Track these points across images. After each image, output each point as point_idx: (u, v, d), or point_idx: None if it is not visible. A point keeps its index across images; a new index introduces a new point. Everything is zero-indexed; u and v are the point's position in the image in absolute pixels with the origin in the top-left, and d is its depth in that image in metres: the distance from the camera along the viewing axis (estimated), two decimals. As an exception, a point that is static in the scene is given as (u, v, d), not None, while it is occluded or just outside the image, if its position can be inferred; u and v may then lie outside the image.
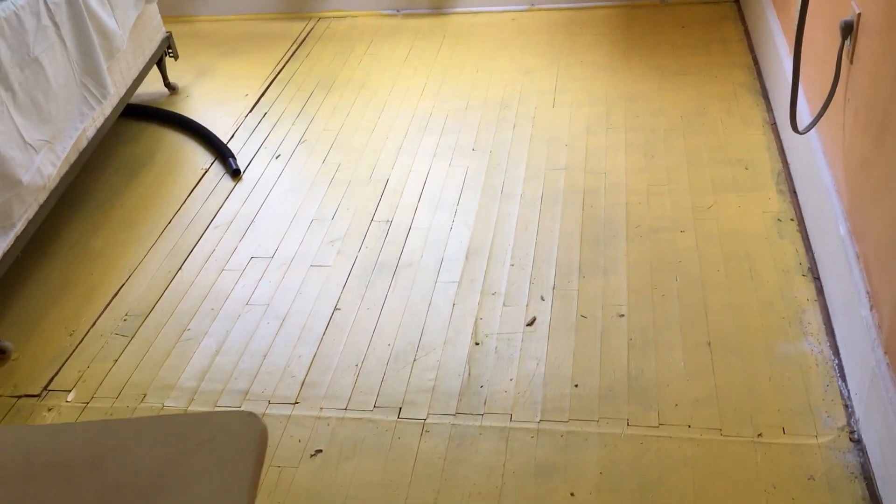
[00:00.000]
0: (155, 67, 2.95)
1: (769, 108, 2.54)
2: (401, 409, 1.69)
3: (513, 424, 1.63)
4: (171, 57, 3.03)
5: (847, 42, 1.72)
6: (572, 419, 1.63)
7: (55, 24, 2.14)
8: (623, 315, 1.86)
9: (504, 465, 1.56)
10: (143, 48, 2.76)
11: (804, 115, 2.07)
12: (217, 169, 2.59)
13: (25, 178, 1.93)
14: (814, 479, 1.46)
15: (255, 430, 0.71)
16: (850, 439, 1.53)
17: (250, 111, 2.89)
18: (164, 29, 2.96)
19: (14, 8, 1.99)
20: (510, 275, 2.02)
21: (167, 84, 3.05)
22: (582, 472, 1.52)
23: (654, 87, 2.75)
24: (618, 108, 2.65)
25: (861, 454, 1.49)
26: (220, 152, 2.63)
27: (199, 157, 2.67)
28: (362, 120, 2.75)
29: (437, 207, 2.29)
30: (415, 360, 1.81)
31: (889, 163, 1.45)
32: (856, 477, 1.46)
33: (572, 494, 1.49)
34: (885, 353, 1.42)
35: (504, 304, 1.93)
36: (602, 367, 1.74)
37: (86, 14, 2.26)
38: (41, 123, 2.04)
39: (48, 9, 2.11)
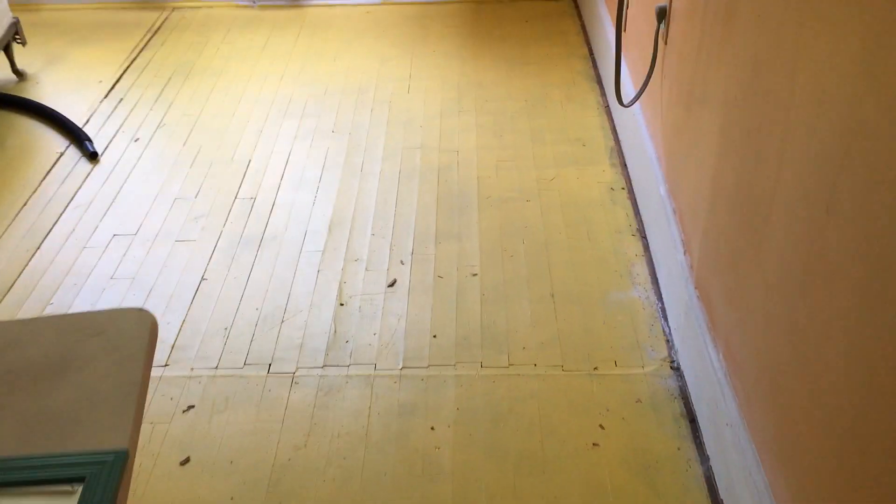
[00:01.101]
0: (1, 54, 2.89)
1: (603, 93, 2.80)
2: (270, 365, 1.79)
3: (377, 372, 1.76)
4: (18, 43, 2.96)
5: (661, 25, 1.96)
6: (432, 365, 1.78)
7: None
8: (476, 274, 2.03)
9: (370, 407, 1.68)
10: (-11, 32, 2.70)
11: (630, 93, 2.31)
12: (73, 153, 2.57)
13: None
14: (641, 402, 1.68)
15: (145, 320, 0.80)
16: (671, 367, 1.75)
17: (105, 97, 2.87)
18: (11, 14, 2.90)
19: None
20: (371, 243, 2.14)
21: (15, 70, 2.98)
22: (441, 409, 1.67)
23: (502, 75, 2.95)
24: (468, 93, 2.84)
25: (679, 378, 1.72)
26: (76, 136, 2.62)
27: (54, 141, 2.64)
28: (222, 105, 2.80)
29: (299, 185, 2.38)
30: (283, 321, 1.90)
31: (694, 128, 1.68)
32: (675, 397, 1.68)
33: (432, 428, 1.63)
34: (696, 288, 1.65)
35: (366, 269, 2.05)
36: (458, 320, 1.89)
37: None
38: None
39: None
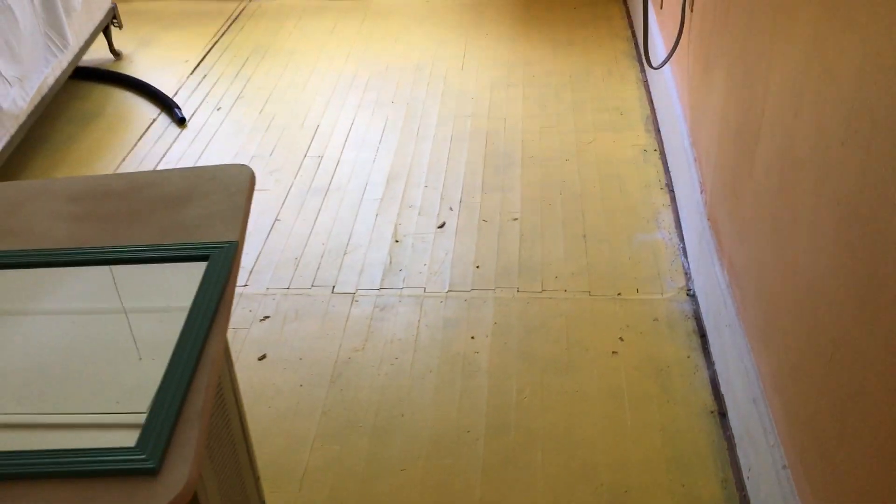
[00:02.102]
0: (101, 36, 3.24)
1: (642, 69, 3.01)
2: (334, 286, 2.06)
3: (426, 294, 2.02)
4: (115, 26, 3.32)
5: (687, -6, 2.18)
6: (474, 289, 2.02)
7: (22, -20, 2.44)
8: (517, 219, 2.27)
9: (419, 321, 1.93)
10: (92, 14, 3.05)
11: (662, 57, 2.53)
12: (164, 119, 2.90)
13: (5, 105, 2.22)
14: (658, 320, 1.89)
15: (246, 170, 1.07)
16: (687, 294, 1.96)
17: (191, 73, 3.20)
18: (109, 0, 3.26)
19: (-11, -39, 2.28)
20: (424, 193, 2.40)
21: (112, 51, 3.34)
22: (480, 323, 1.91)
23: (549, 54, 3.19)
24: (517, 70, 3.08)
25: (694, 303, 1.93)
26: (166, 104, 2.95)
27: (147, 109, 2.97)
28: (294, 80, 3.10)
29: (361, 146, 2.66)
30: (345, 253, 2.17)
31: (710, 83, 1.90)
32: (689, 318, 1.89)
33: (473, 338, 1.88)
34: (708, 219, 1.87)
35: (419, 214, 2.31)
36: (499, 255, 2.14)
37: (48, -27, 2.56)
38: (14, 63, 2.33)
39: (16, -35, 2.41)
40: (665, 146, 2.51)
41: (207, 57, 3.33)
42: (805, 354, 1.23)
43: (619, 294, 1.98)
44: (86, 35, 2.96)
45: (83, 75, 3.15)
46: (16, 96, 2.32)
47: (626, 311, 1.93)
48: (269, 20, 3.65)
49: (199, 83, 3.13)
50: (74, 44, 2.81)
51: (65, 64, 2.74)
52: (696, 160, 2.07)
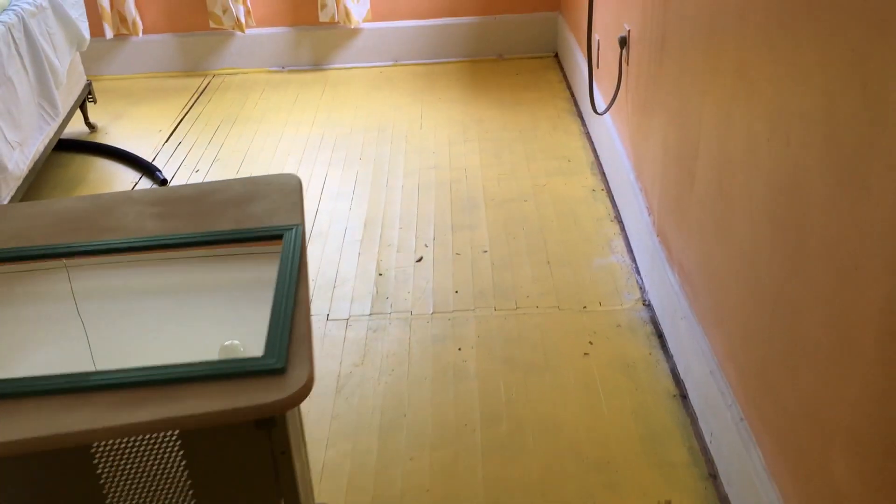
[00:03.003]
0: (77, 111, 3.44)
1: (584, 124, 3.35)
2: (328, 314, 2.26)
3: (413, 316, 2.24)
4: (90, 101, 3.52)
5: (623, 50, 2.52)
6: (455, 310, 2.26)
7: (19, 55, 2.65)
8: (486, 251, 2.53)
9: (409, 338, 2.15)
10: (72, 89, 3.26)
11: (602, 107, 2.86)
12: (145, 182, 3.09)
13: (10, 165, 2.40)
14: (620, 326, 2.15)
15: (295, 177, 1.30)
16: (643, 304, 2.23)
17: (166, 141, 3.42)
18: (85, 77, 3.47)
19: (-6, 37, 2.49)
20: (399, 234, 2.65)
21: (88, 123, 3.54)
22: (465, 338, 2.14)
23: (498, 113, 3.52)
24: (471, 127, 3.39)
25: (650, 311, 2.20)
26: (147, 168, 3.15)
27: (127, 174, 3.16)
28: (265, 144, 3.35)
29: (336, 197, 2.90)
30: (335, 286, 2.39)
31: (649, 122, 2.22)
32: (647, 323, 2.16)
33: (459, 349, 2.10)
34: (657, 235, 2.15)
35: (397, 251, 2.55)
36: (474, 281, 2.38)
37: (40, 50, 2.77)
38: (15, 129, 2.52)
39: (14, 41, 2.62)
40: (610, 185, 2.82)
41: (179, 127, 3.55)
42: (750, 319, 1.50)
43: (584, 307, 2.24)
44: (68, 108, 3.16)
45: (62, 147, 3.33)
46: (18, 159, 2.50)
47: (592, 321, 2.18)
48: (234, 92, 3.91)
49: (175, 149, 3.34)
50: (62, 114, 3.00)
51: (54, 132, 2.93)
52: (641, 190, 2.37)
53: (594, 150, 3.12)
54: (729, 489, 1.62)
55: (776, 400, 1.40)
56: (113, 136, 3.50)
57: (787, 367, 1.35)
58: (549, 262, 2.45)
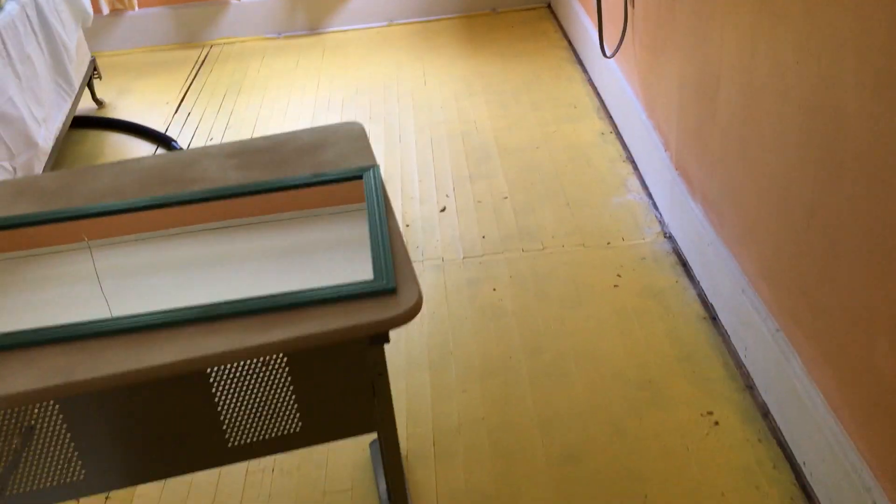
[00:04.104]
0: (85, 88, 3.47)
1: (584, 70, 3.42)
2: (363, 265, 2.35)
3: (445, 262, 2.33)
4: (96, 77, 3.55)
5: (628, -6, 2.59)
6: (485, 254, 2.35)
7: (34, 32, 2.68)
8: (507, 197, 2.61)
9: (444, 282, 2.24)
10: (79, 66, 3.29)
11: (609, 52, 2.94)
12: (162, 152, 3.14)
13: (40, 141, 2.45)
14: (645, 259, 2.26)
15: (358, 125, 1.38)
16: (664, 236, 2.33)
17: (175, 112, 3.46)
18: (89, 53, 3.49)
19: (11, 17, 2.52)
20: (420, 186, 2.72)
21: (95, 99, 3.57)
22: (498, 278, 2.24)
23: (499, 66, 3.58)
24: (475, 81, 3.46)
25: (672, 242, 2.30)
26: (162, 139, 3.19)
27: (143, 147, 3.21)
28: (274, 109, 3.40)
29: (352, 156, 2.97)
30: (365, 239, 2.47)
31: (661, 61, 2.30)
32: (670, 253, 2.26)
33: (494, 289, 2.20)
34: (676, 169, 2.25)
35: (420, 203, 2.63)
36: (498, 225, 2.47)
37: (52, 26, 2.80)
38: (39, 105, 2.57)
39: (28, 20, 2.65)
40: (619, 127, 2.91)
41: (186, 98, 3.59)
42: (783, 235, 1.60)
43: (608, 243, 2.34)
44: (80, 83, 3.19)
45: (76, 123, 3.37)
46: (45, 135, 2.55)
47: (618, 255, 2.28)
48: (234, 62, 3.94)
49: (186, 119, 3.39)
50: (77, 89, 3.04)
51: (69, 108, 2.97)
52: (655, 128, 2.46)
53: (598, 96, 3.20)
54: (767, 397, 1.74)
55: (814, 307, 1.51)
56: (121, 111, 3.54)
57: (825, 275, 1.45)
58: (568, 204, 2.54)
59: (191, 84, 3.72)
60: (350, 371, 1.13)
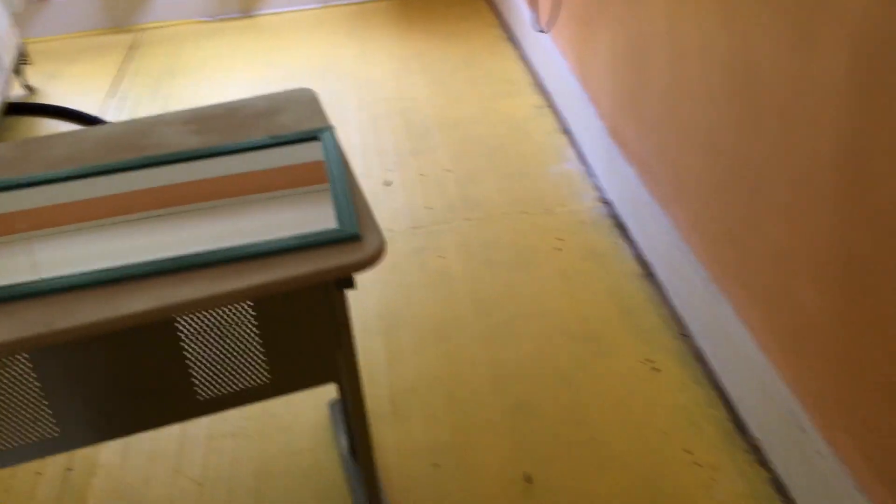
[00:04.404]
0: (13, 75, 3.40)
1: (517, 48, 3.51)
2: (312, 239, 2.39)
3: (393, 233, 2.39)
4: (25, 63, 3.49)
5: (559, -30, 2.68)
6: (432, 223, 2.42)
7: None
8: (449, 170, 2.68)
9: (393, 252, 2.30)
10: (9, 52, 3.23)
11: (539, 27, 3.03)
12: (99, 137, 3.11)
13: (-25, 124, 2.42)
14: (584, 223, 2.36)
15: (309, 91, 1.43)
16: (601, 202, 2.44)
17: (108, 97, 3.43)
18: (18, 38, 3.43)
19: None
20: (364, 162, 2.77)
21: (26, 86, 3.50)
22: (445, 246, 2.31)
23: (435, 45, 3.64)
24: (412, 60, 3.51)
25: (609, 207, 2.41)
26: (97, 123, 3.16)
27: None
28: (213, 90, 3.39)
29: (294, 135, 3.00)
30: (312, 214, 2.51)
31: (595, 34, 2.39)
32: (607, 217, 2.37)
33: (441, 257, 2.27)
34: (611, 136, 2.35)
35: (366, 177, 2.68)
36: (443, 196, 2.54)
37: (-19, 9, 2.75)
38: (-28, 88, 2.52)
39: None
40: (554, 101, 3.00)
41: (119, 82, 3.55)
42: (711, 188, 1.71)
43: (549, 210, 2.43)
44: (9, 69, 3.14)
45: (7, 110, 3.30)
46: (-21, 118, 2.51)
47: (558, 221, 2.38)
48: (167, 45, 3.91)
49: (121, 104, 3.36)
50: (8, 74, 2.99)
51: (0, 94, 2.92)
52: (589, 99, 2.56)
53: (532, 72, 3.29)
54: (701, 343, 1.85)
55: (741, 254, 1.62)
56: (53, 97, 3.48)
57: (750, 223, 1.56)
58: (509, 175, 2.63)
59: (123, 69, 3.68)
60: (315, 320, 1.18)
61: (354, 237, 1.05)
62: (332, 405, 1.80)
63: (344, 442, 1.69)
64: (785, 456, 1.52)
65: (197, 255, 1.02)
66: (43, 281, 0.99)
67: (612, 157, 2.33)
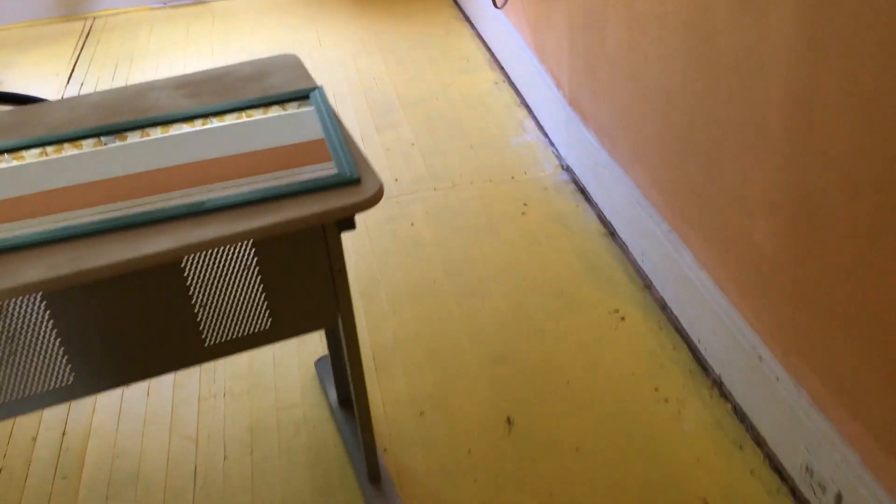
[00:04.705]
0: (-33, 60, 3.38)
1: (473, 27, 3.61)
2: (285, 212, 2.45)
3: (363, 204, 2.46)
4: (-22, 51, 3.46)
5: (514, -52, 2.78)
6: (400, 194, 2.50)
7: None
8: (413, 144, 2.77)
9: (365, 221, 2.38)
10: (-37, 38, 3.20)
11: (500, 2, 3.12)
12: (61, 122, 3.12)
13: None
14: (547, 189, 2.46)
15: (293, 56, 1.50)
16: (562, 169, 2.55)
17: (67, 83, 3.42)
18: (-30, 26, 3.40)
19: None
20: (329, 139, 2.84)
21: (-20, 74, 3.48)
22: (414, 215, 2.39)
23: (392, 26, 3.71)
24: (370, 40, 3.58)
25: (570, 173, 2.52)
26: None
27: (39, 117, 3.17)
28: (172, 73, 3.41)
29: (258, 115, 3.04)
30: (282, 189, 2.57)
31: (550, 10, 2.49)
32: (569, 183, 2.48)
33: (412, 224, 2.35)
34: (570, 104, 2.46)
35: (332, 154, 2.75)
36: (409, 169, 2.62)
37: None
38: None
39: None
40: (511, 76, 3.11)
41: (77, 68, 3.55)
42: (670, 143, 1.83)
43: (512, 178, 2.53)
44: (-35, 56, 3.12)
45: (-40, 98, 3.28)
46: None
47: (522, 188, 2.48)
48: (122, 31, 3.91)
49: (80, 90, 3.36)
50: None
51: (-40, 80, 2.91)
52: (547, 71, 2.66)
53: (488, 49, 3.39)
54: (664, 292, 1.98)
55: (700, 203, 1.74)
56: (8, 85, 3.46)
57: (708, 173, 1.68)
58: (472, 147, 2.72)
59: (79, 55, 3.67)
60: (314, 266, 1.26)
61: (354, 181, 1.13)
62: (319, 363, 1.87)
63: (333, 395, 1.77)
64: (745, 386, 1.64)
65: (209, 200, 1.09)
66: (68, 227, 1.05)
67: (572, 126, 2.44)
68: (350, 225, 1.18)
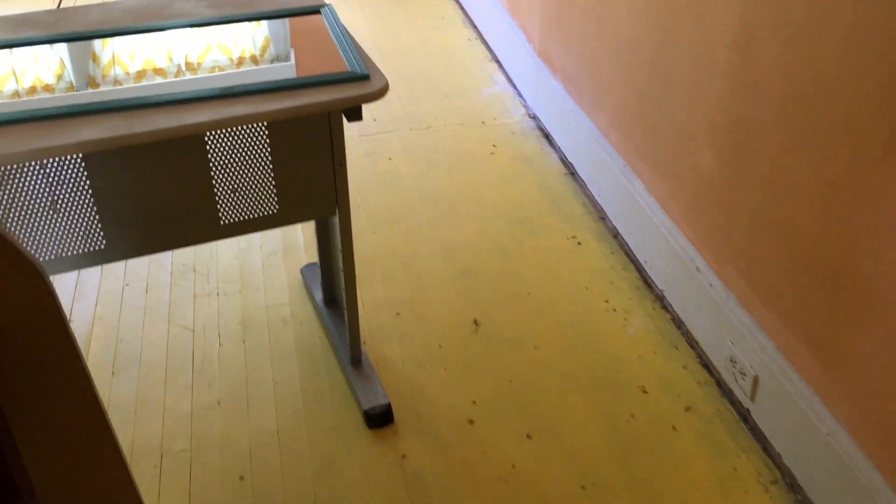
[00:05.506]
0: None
1: (449, -11, 3.80)
2: (270, 143, 2.63)
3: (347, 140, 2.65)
4: (-35, -17, 3.54)
5: (493, -89, 2.97)
6: (378, 132, 2.69)
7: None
8: (391, 90, 2.95)
9: (348, 152, 2.57)
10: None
11: (474, -28, 3.31)
12: (49, 54, 3.23)
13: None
14: (515, 133, 2.68)
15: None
16: (529, 116, 2.77)
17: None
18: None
19: None
20: (311, 82, 3.01)
21: (-34, 5, 3.56)
22: (392, 151, 2.59)
23: (370, -16, 3.89)
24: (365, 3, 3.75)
25: (536, 120, 2.74)
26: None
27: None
28: (157, 17, 3.54)
29: (243, 57, 3.20)
30: (268, 123, 2.74)
31: (525, -38, 2.70)
32: (535, 129, 2.70)
33: (390, 159, 2.55)
34: (539, 56, 2.68)
35: (314, 94, 2.92)
36: (388, 111, 2.82)
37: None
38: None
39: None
40: (483, 34, 3.31)
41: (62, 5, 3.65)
42: (630, 87, 2.05)
43: (483, 122, 2.74)
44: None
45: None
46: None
47: (491, 131, 2.70)
48: None
49: None
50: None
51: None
52: (518, 27, 2.87)
53: (462, 9, 3.58)
54: (616, 223, 2.21)
55: (652, 137, 1.98)
56: (-5, 17, 3.55)
57: (661, 109, 1.91)
58: (446, 95, 2.93)
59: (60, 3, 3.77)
60: (319, 156, 1.46)
61: (364, 77, 1.33)
62: (305, 269, 2.07)
63: (319, 295, 1.96)
64: (683, 298, 1.89)
65: (242, 85, 1.28)
66: (125, 99, 1.23)
67: (540, 76, 2.66)
68: (357, 115, 1.37)
